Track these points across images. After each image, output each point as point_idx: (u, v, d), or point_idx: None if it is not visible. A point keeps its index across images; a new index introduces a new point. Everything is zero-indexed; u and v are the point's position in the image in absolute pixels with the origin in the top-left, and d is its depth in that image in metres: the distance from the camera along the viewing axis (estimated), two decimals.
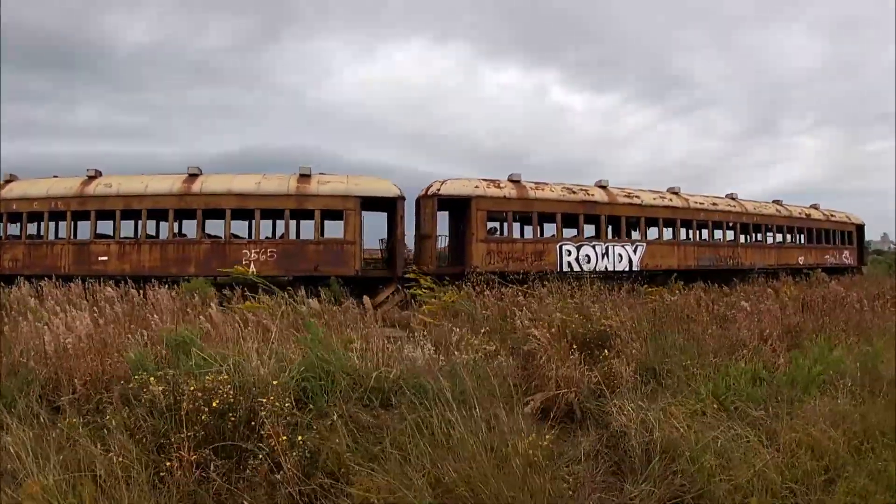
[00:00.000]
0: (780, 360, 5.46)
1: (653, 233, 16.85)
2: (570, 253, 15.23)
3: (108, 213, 13.61)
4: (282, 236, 13.90)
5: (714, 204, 17.75)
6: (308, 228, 14.00)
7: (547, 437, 3.66)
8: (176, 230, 14.30)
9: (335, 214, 13.92)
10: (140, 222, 13.63)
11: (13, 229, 14.20)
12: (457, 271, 13.89)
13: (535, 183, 15.44)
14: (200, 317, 6.92)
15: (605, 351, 5.80)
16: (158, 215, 13.86)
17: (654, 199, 16.73)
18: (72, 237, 13.65)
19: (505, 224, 15.21)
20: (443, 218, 16.52)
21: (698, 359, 5.39)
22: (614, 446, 4.03)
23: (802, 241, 19.65)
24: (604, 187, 16.31)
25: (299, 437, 3.40)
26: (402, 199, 14.20)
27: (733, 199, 18.51)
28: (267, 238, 13.93)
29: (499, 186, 14.78)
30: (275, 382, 3.87)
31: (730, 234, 18.18)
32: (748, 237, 18.53)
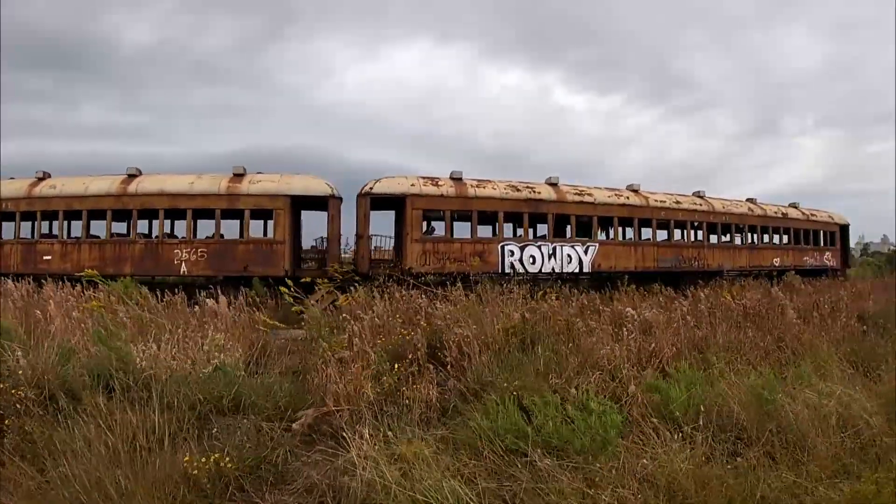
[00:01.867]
0: (633, 388, 4.28)
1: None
2: (512, 253, 14.71)
3: (53, 213, 14.09)
4: (212, 236, 14.00)
5: (677, 202, 16.80)
6: (253, 229, 14.04)
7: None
8: (126, 230, 14.66)
9: (266, 214, 13.94)
10: (81, 223, 14.03)
11: None
12: (392, 272, 13.65)
13: (478, 180, 15.02)
14: (37, 311, 6.98)
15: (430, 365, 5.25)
16: (98, 216, 14.22)
17: (609, 196, 15.98)
18: (19, 237, 14.19)
19: (446, 223, 14.84)
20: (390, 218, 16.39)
21: (535, 380, 4.54)
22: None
23: (778, 242, 18.33)
24: (554, 185, 15.70)
25: None
26: (335, 198, 14.08)
27: (701, 196, 17.47)
28: (198, 238, 14.05)
29: (436, 184, 14.44)
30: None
31: (695, 235, 17.16)
32: (717, 237, 17.44)
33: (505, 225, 15.10)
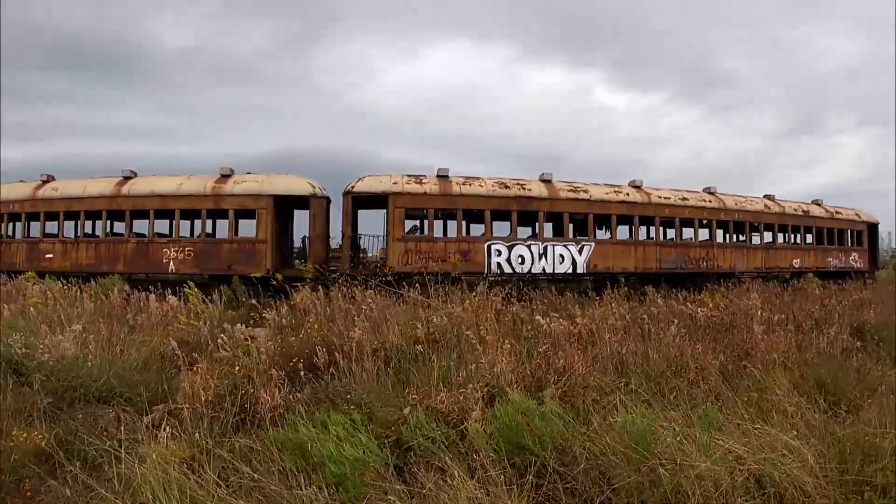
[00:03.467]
0: (477, 412, 3.69)
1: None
2: (499, 253, 14.16)
3: (55, 214, 14.71)
4: (199, 236, 14.21)
5: (684, 199, 15.70)
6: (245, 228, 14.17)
7: None
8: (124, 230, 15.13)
9: (250, 214, 14.01)
10: (79, 223, 14.58)
11: None
12: (374, 272, 13.44)
13: (465, 178, 14.55)
14: None
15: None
16: (96, 216, 14.73)
17: (607, 193, 15.12)
18: (26, 236, 14.91)
19: (429, 222, 14.44)
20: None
21: (392, 393, 4.13)
22: None
23: (799, 242, 16.81)
24: (547, 181, 15.01)
25: None
26: (318, 197, 14.00)
27: (712, 193, 16.25)
28: (185, 237, 14.29)
29: (420, 182, 14.09)
30: None
31: (704, 233, 15.98)
32: (728, 236, 16.18)
33: (498, 224, 14.58)
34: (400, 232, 13.82)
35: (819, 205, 17.57)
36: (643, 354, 5.50)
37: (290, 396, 4.12)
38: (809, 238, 17.05)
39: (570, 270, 14.57)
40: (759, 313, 7.18)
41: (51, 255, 14.55)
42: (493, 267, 14.06)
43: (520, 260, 14.26)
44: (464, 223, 14.73)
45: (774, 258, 16.35)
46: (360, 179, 14.03)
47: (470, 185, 14.30)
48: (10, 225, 15.12)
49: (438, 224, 14.94)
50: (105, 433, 3.62)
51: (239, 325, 6.03)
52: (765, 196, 16.98)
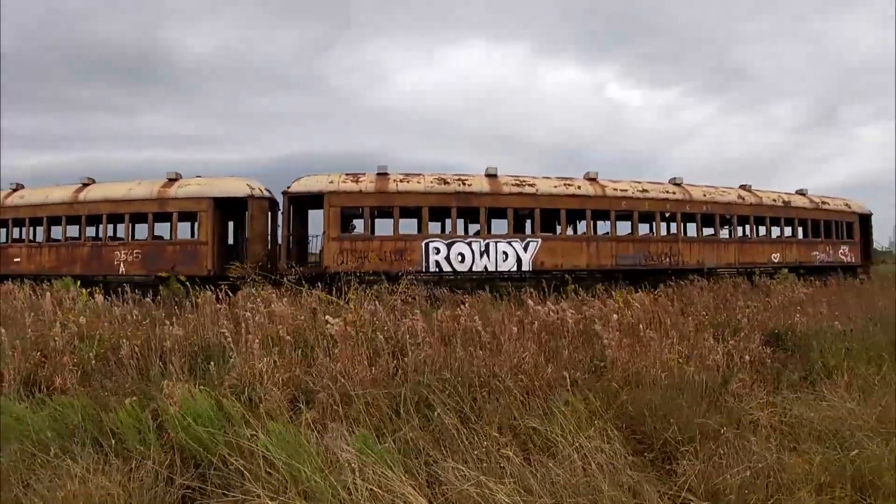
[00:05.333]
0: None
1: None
2: (438, 251, 13.75)
3: (22, 220, 15.56)
4: (146, 238, 14.61)
5: (644, 191, 14.71)
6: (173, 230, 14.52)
7: None
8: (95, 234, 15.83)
9: (193, 216, 14.27)
10: (43, 228, 15.34)
11: None
12: (310, 271, 13.39)
13: (404, 174, 14.26)
14: None
15: None
16: (56, 221, 15.44)
17: (556, 187, 14.40)
18: None
19: (365, 220, 14.25)
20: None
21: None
22: None
23: (779, 235, 15.34)
24: (492, 176, 14.49)
25: None
26: (256, 198, 14.09)
27: (677, 184, 15.14)
28: (134, 240, 14.73)
29: (357, 181, 13.92)
30: None
31: (667, 228, 14.90)
32: (697, 230, 15.00)
33: (456, 222, 14.13)
34: (336, 231, 13.69)
35: (804, 195, 16.00)
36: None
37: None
38: (791, 231, 15.54)
39: (514, 268, 13.96)
40: (613, 317, 6.44)
41: (18, 259, 15.38)
42: (430, 266, 13.67)
43: (460, 258, 13.79)
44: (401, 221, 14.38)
45: (750, 253, 15.02)
46: (297, 179, 14.02)
47: (408, 182, 14.00)
48: None
49: (364, 222, 14.60)
50: None
51: None
52: (740, 186, 15.65)
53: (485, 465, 3.36)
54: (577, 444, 3.70)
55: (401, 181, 14.00)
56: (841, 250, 15.91)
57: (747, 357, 6.21)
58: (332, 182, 13.81)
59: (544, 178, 14.72)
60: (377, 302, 8.93)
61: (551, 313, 7.02)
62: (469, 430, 3.87)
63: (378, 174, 14.18)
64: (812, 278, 13.90)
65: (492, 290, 11.44)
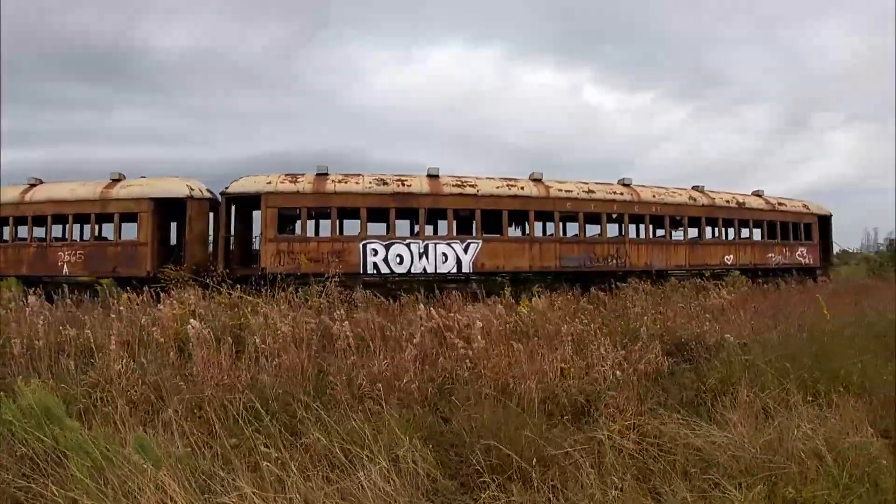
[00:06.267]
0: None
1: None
2: (376, 252, 13.57)
3: None
4: (88, 239, 14.65)
5: (590, 192, 14.37)
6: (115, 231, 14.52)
7: None
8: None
9: (133, 217, 14.26)
10: None
11: None
12: (247, 273, 13.29)
13: (344, 175, 14.11)
14: None
15: None
16: (4, 222, 15.55)
17: (498, 187, 14.13)
18: None
19: (302, 222, 14.08)
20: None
21: None
22: None
23: (732, 237, 14.86)
24: (434, 176, 14.28)
25: None
26: (195, 199, 14.04)
27: (626, 185, 14.76)
28: (77, 241, 14.77)
29: (294, 181, 13.80)
30: None
31: (615, 229, 14.54)
32: (645, 232, 14.60)
33: (395, 223, 13.93)
34: (272, 232, 13.58)
35: (759, 196, 15.49)
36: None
37: None
38: (746, 232, 15.06)
39: (454, 270, 13.72)
40: (478, 324, 6.19)
41: None
42: (368, 267, 13.50)
43: (398, 260, 13.60)
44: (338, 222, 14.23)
45: (701, 255, 14.59)
46: (235, 180, 13.94)
47: (346, 182, 13.84)
48: None
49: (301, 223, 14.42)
50: None
51: None
52: (692, 187, 15.20)
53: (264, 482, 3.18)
54: (381, 463, 3.50)
55: (339, 182, 13.85)
56: (798, 252, 15.38)
57: (642, 367, 5.94)
58: (269, 182, 13.70)
59: (487, 178, 14.46)
60: (289, 304, 8.88)
61: (433, 319, 6.83)
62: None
63: (317, 174, 14.05)
64: (762, 280, 13.46)
65: (429, 293, 11.25)
